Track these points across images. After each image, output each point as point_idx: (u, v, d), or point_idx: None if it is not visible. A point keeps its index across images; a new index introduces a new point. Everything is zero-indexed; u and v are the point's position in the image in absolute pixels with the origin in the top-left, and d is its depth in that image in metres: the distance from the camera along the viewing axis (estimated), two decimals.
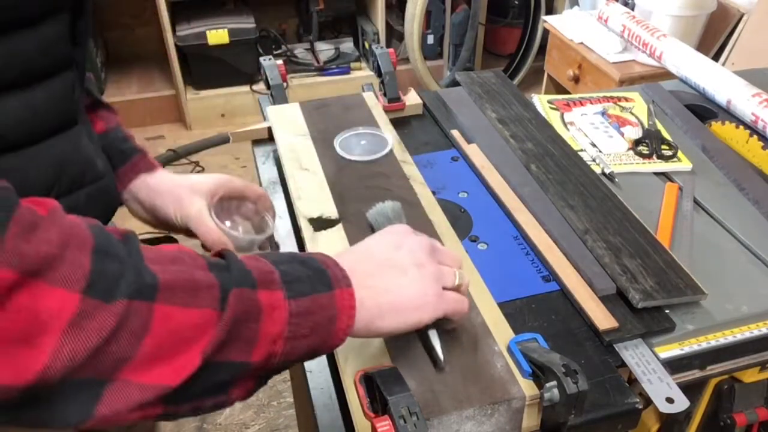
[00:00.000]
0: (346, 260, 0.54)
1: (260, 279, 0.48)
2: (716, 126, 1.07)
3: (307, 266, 0.51)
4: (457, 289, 0.59)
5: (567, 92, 2.26)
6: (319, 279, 0.51)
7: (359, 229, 0.77)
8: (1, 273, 0.37)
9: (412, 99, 1.10)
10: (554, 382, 0.56)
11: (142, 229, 0.80)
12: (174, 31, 2.76)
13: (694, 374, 0.69)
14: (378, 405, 0.55)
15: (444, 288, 0.58)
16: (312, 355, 0.51)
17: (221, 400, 0.48)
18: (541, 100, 1.14)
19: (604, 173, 0.96)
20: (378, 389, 0.55)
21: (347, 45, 3.18)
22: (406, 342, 0.62)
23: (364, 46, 3.15)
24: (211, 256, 0.50)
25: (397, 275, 0.56)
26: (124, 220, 0.76)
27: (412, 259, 0.57)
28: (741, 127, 1.05)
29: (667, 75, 1.32)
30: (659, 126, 1.06)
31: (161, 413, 0.45)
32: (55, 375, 0.39)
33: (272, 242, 0.81)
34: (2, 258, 0.37)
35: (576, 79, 2.19)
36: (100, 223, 0.45)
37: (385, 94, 1.08)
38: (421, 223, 0.78)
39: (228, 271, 0.47)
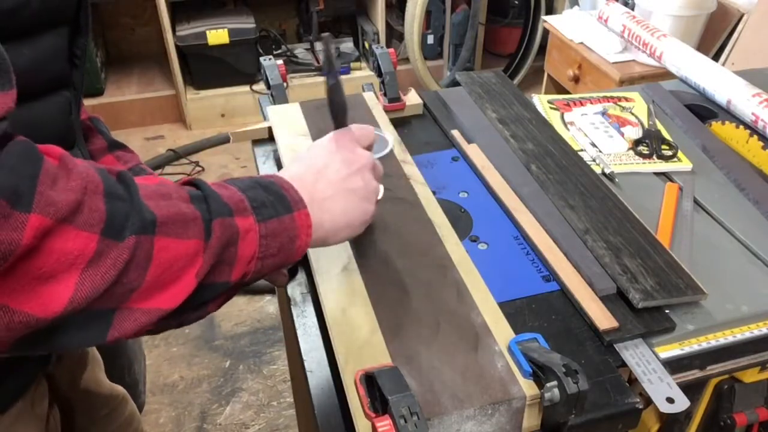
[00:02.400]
0: (305, 183, 0.60)
1: (234, 207, 0.53)
2: (716, 126, 1.07)
3: (269, 191, 0.57)
4: None
5: (567, 92, 2.26)
6: (280, 203, 0.56)
7: None
8: (39, 221, 0.41)
9: (412, 99, 1.10)
10: (555, 382, 0.56)
11: None
12: (174, 31, 2.76)
13: (695, 374, 0.69)
14: (378, 405, 0.55)
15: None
16: (278, 268, 0.58)
17: (200, 314, 0.54)
18: (541, 100, 1.14)
19: (604, 173, 0.96)
20: (378, 389, 0.55)
21: (347, 45, 3.18)
22: (407, 341, 0.63)
23: (364, 46, 3.15)
24: (182, 185, 0.55)
25: (351, 198, 0.63)
26: None
27: (362, 180, 0.64)
28: (741, 127, 1.05)
29: (667, 75, 1.32)
30: (659, 126, 1.06)
31: (153, 329, 0.51)
32: (78, 306, 0.44)
33: None
34: (39, 207, 0.41)
35: (576, 79, 2.19)
36: (100, 165, 0.49)
37: (385, 94, 1.08)
38: (421, 223, 0.78)
39: (206, 202, 0.52)
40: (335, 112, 0.69)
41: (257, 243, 0.54)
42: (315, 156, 0.64)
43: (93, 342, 0.48)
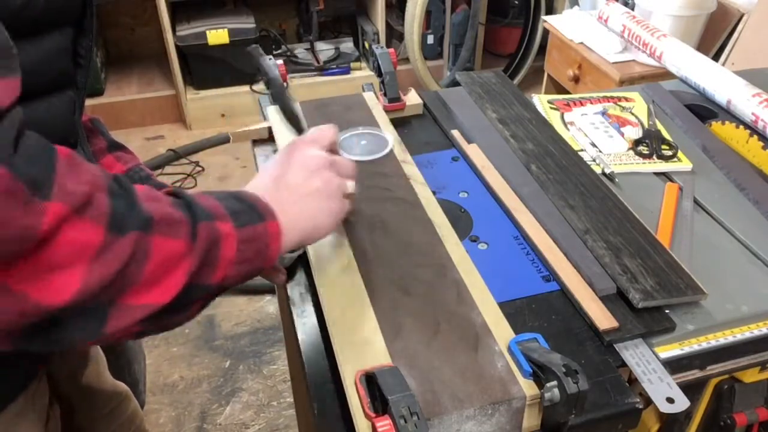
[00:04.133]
0: (269, 194, 0.62)
1: (214, 212, 0.55)
2: (716, 126, 1.07)
3: (242, 202, 0.59)
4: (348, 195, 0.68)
5: (567, 92, 2.26)
6: (253, 212, 0.58)
7: (360, 228, 0.77)
8: (58, 208, 0.43)
9: (412, 99, 1.10)
10: (555, 382, 0.57)
11: None
12: (174, 31, 2.76)
13: (695, 374, 0.69)
14: (378, 405, 0.55)
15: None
16: (250, 276, 0.59)
17: (184, 316, 0.56)
18: (541, 100, 1.14)
19: (604, 173, 0.96)
20: (378, 389, 0.55)
21: (347, 45, 3.18)
22: (407, 341, 0.63)
23: (364, 46, 3.15)
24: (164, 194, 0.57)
25: (314, 200, 0.64)
26: None
27: (321, 181, 0.65)
28: (741, 127, 1.05)
29: (667, 75, 1.32)
30: (659, 126, 1.06)
31: (140, 329, 0.52)
32: (84, 297, 0.46)
33: None
34: (58, 196, 0.44)
35: (576, 79, 2.19)
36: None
37: (385, 94, 1.08)
38: (421, 223, 0.78)
39: (189, 208, 0.54)
40: (287, 120, 0.72)
41: (236, 248, 0.56)
42: (273, 167, 0.66)
43: (89, 337, 0.49)
